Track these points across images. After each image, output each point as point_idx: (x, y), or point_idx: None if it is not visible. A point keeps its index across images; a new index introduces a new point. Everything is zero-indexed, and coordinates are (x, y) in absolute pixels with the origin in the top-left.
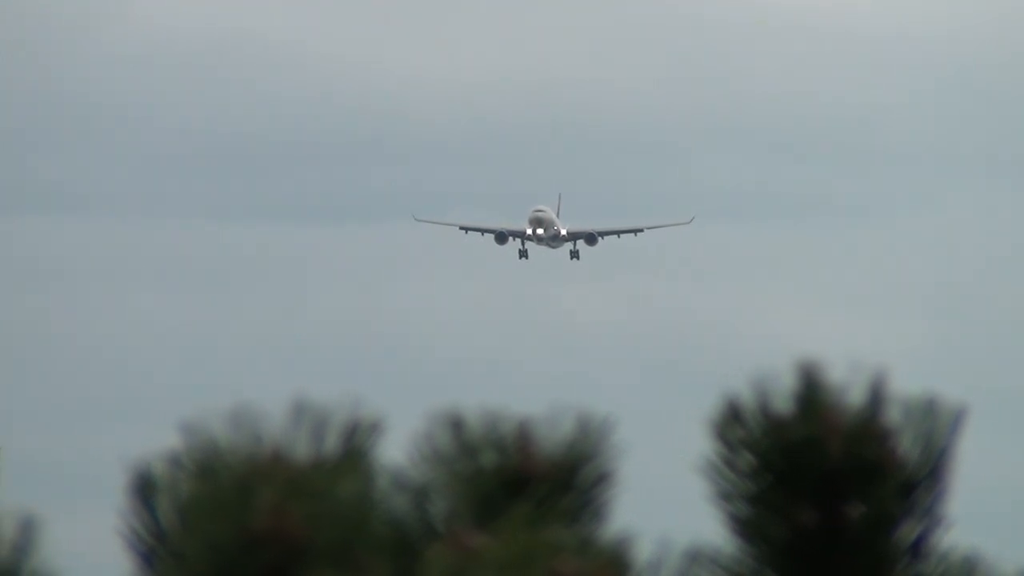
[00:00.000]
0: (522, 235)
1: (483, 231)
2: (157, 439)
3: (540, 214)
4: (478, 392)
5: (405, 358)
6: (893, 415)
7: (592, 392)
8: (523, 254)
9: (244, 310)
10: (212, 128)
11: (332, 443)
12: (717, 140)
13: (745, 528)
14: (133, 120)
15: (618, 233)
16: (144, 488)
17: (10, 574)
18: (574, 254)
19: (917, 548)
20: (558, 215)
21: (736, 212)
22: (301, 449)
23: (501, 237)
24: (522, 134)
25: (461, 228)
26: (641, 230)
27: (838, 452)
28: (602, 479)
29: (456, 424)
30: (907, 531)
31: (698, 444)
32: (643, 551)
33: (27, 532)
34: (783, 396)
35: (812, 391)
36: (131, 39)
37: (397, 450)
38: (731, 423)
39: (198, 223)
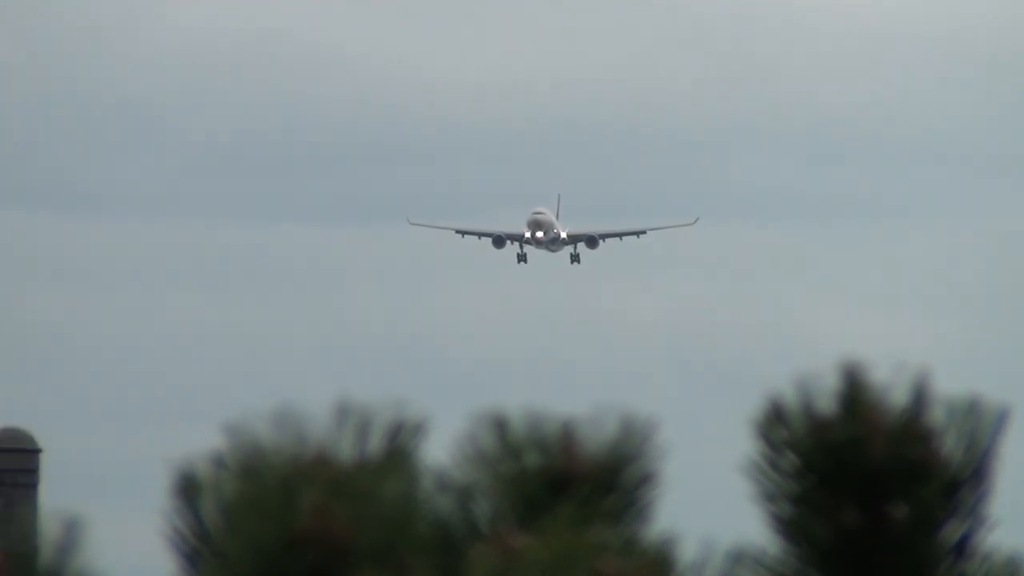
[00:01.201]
0: (520, 238)
1: (480, 235)
2: (201, 440)
3: (539, 216)
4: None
5: (444, 359)
6: (936, 415)
7: (633, 392)
8: (522, 258)
9: (283, 311)
10: (241, 129)
11: (376, 444)
12: (750, 141)
13: (789, 528)
14: (163, 120)
15: (620, 235)
16: (188, 489)
17: (54, 575)
18: (575, 257)
19: (961, 548)
20: (557, 217)
21: (773, 212)
22: (345, 450)
23: (499, 241)
24: (555, 134)
25: (457, 232)
26: (644, 232)
27: (881, 452)
28: (645, 479)
29: (500, 425)
30: (951, 531)
31: (741, 444)
32: (686, 551)
33: (71, 533)
34: (826, 396)
35: (855, 391)
36: (162, 40)
37: (441, 450)
38: (775, 424)
39: (231, 224)
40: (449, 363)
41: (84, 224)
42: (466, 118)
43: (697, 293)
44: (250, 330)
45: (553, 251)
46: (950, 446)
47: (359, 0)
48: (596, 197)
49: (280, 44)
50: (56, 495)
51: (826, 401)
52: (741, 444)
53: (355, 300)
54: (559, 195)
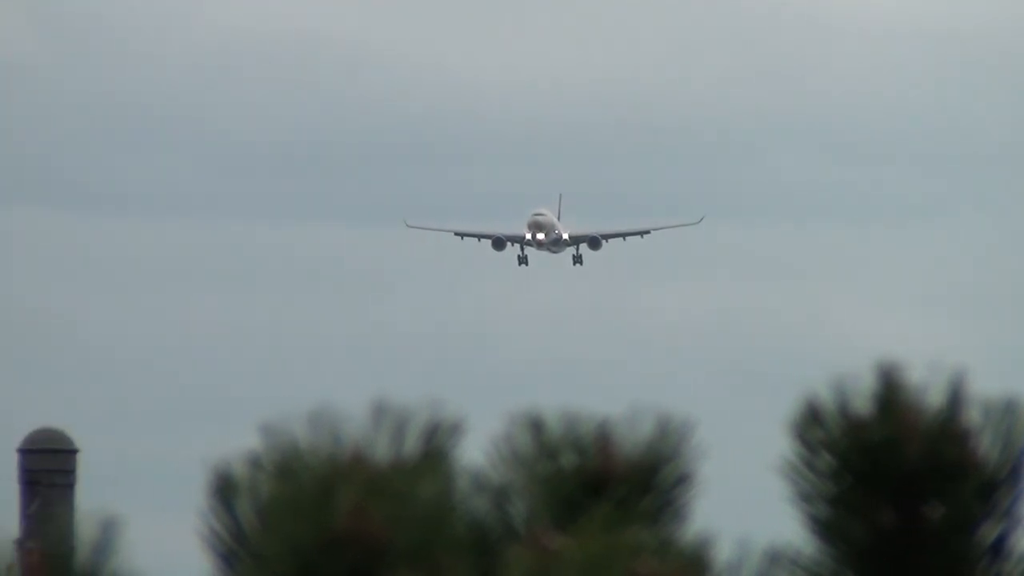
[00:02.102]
0: (521, 240)
1: (480, 236)
2: (237, 440)
3: (539, 218)
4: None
5: (479, 360)
6: (972, 416)
7: (667, 393)
8: (522, 260)
9: (319, 312)
10: (277, 130)
11: (412, 444)
12: (783, 139)
13: (825, 529)
14: (199, 122)
15: (623, 235)
16: (224, 489)
17: (92, 574)
18: (577, 259)
19: (997, 549)
20: (559, 218)
21: (804, 211)
22: (381, 450)
23: (499, 243)
24: (590, 134)
25: (456, 234)
26: (648, 231)
27: (917, 453)
28: (682, 480)
29: (536, 425)
30: (987, 531)
31: (777, 445)
32: (723, 552)
33: (107, 533)
34: (862, 397)
35: (891, 392)
36: (195, 40)
37: (477, 451)
38: (811, 424)
39: (267, 224)
40: (481, 364)
41: (119, 225)
42: (499, 118)
43: (728, 293)
44: (286, 331)
45: (555, 252)
46: (986, 446)
47: (391, 1)
48: (625, 198)
49: (313, 45)
50: (93, 496)
51: (862, 402)
52: (777, 445)
53: (390, 300)
54: (560, 195)
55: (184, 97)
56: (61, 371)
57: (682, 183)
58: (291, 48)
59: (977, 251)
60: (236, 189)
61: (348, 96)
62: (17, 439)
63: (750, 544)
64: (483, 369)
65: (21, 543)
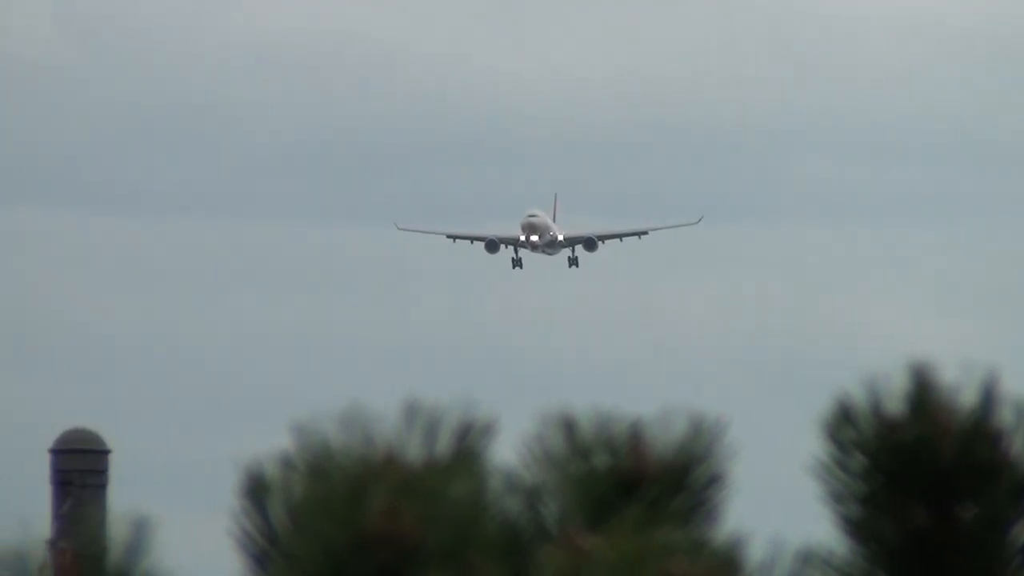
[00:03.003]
0: (515, 242)
1: (472, 239)
2: (269, 440)
3: (533, 219)
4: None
5: (510, 360)
6: (1005, 415)
7: (697, 393)
8: (516, 263)
9: (351, 312)
10: (317, 129)
11: (445, 444)
12: (813, 140)
13: (857, 529)
14: (236, 121)
15: (620, 236)
16: (256, 489)
17: (124, 574)
18: (573, 261)
19: None
20: (554, 219)
21: (832, 211)
22: (414, 450)
23: (492, 245)
24: (630, 134)
25: (448, 236)
26: (646, 232)
27: (950, 453)
28: (714, 480)
29: (568, 425)
30: (1019, 531)
31: (809, 445)
32: (755, 552)
33: (139, 534)
34: (895, 397)
35: (924, 392)
36: (225, 41)
37: (509, 451)
38: (843, 424)
39: (299, 224)
40: (510, 364)
41: (148, 225)
42: (534, 117)
43: (755, 293)
44: (318, 330)
45: (550, 255)
46: (1019, 446)
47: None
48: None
49: (342, 44)
50: (125, 496)
51: (894, 401)
52: (809, 444)
53: (424, 300)
54: (556, 195)
55: (212, 97)
56: (93, 372)
57: (708, 183)
58: (320, 47)
59: (1011, 250)
60: (265, 189)
61: (378, 95)
62: (49, 440)
63: (782, 544)
64: (505, 370)
65: (53, 543)
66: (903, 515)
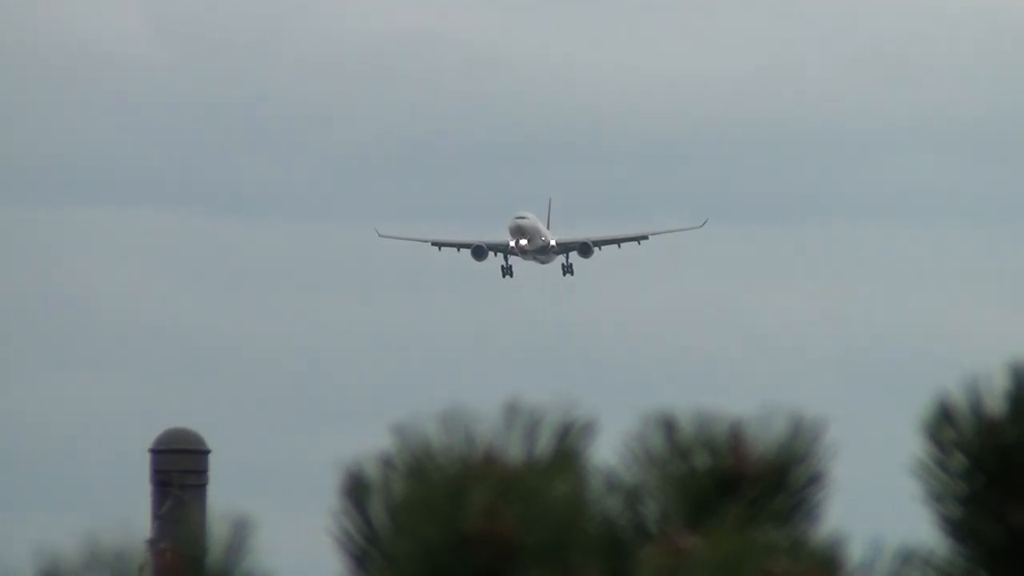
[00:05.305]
0: (504, 248)
1: (459, 246)
2: (369, 440)
3: (521, 222)
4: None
5: (602, 360)
6: None
7: (795, 393)
8: (507, 271)
9: (448, 312)
10: (397, 129)
11: (545, 444)
12: (900, 140)
13: (958, 529)
14: (328, 121)
15: (618, 242)
16: (356, 489)
17: (224, 574)
18: (567, 268)
19: None
20: (548, 224)
21: (924, 212)
22: (514, 450)
23: (479, 252)
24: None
25: (433, 244)
26: (646, 237)
27: None
28: (814, 480)
29: (669, 425)
30: None
31: (910, 445)
32: (855, 552)
33: (240, 533)
34: (995, 397)
35: None
36: (315, 40)
37: (609, 451)
38: (943, 424)
39: (389, 225)
40: (607, 365)
41: (246, 226)
42: (624, 117)
43: (851, 293)
44: (414, 331)
45: (543, 262)
46: None
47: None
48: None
49: (431, 44)
50: (225, 496)
51: (995, 401)
52: (909, 445)
53: (518, 300)
54: (550, 199)
55: (304, 97)
56: (193, 372)
57: (799, 183)
58: (409, 47)
59: None
60: (358, 190)
61: (467, 95)
62: (149, 440)
63: (882, 544)
64: (603, 370)
65: (153, 543)
66: (1004, 515)
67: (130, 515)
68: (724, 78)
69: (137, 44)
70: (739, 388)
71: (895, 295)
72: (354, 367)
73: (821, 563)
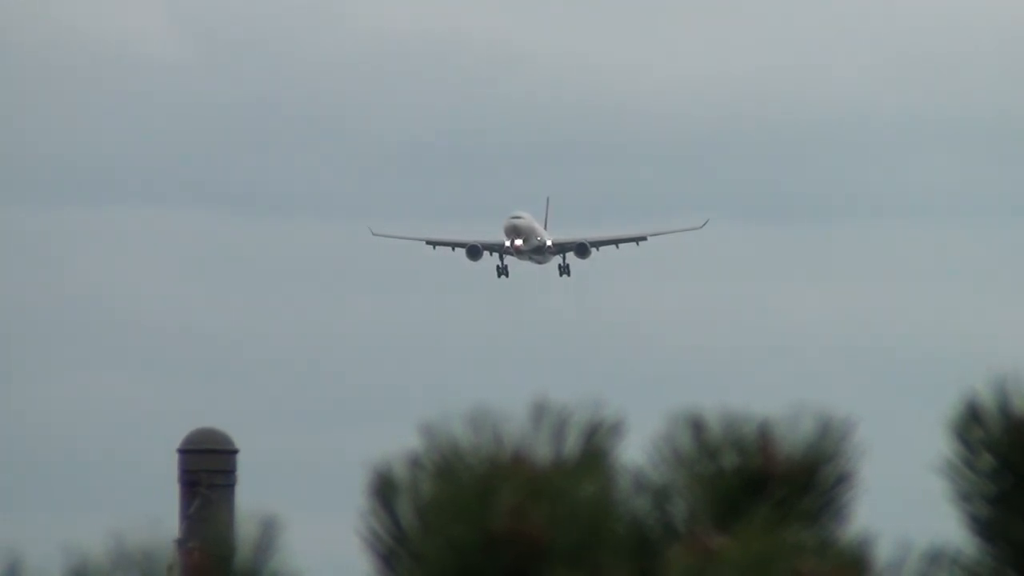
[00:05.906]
0: (500, 248)
1: (453, 245)
2: (397, 440)
3: (517, 222)
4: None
5: (620, 360)
6: None
7: (821, 393)
8: (502, 271)
9: (477, 312)
10: (426, 130)
11: (573, 444)
12: (932, 139)
13: (986, 528)
14: (353, 121)
15: (616, 243)
16: (384, 489)
17: (252, 574)
18: (563, 269)
19: None
20: (545, 225)
21: (965, 211)
22: (542, 450)
23: (473, 251)
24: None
25: (428, 243)
26: (644, 238)
27: None
28: (842, 480)
29: (697, 425)
30: None
31: (938, 445)
32: (883, 552)
33: (268, 533)
34: (1023, 396)
35: None
36: (346, 41)
37: (637, 451)
38: (971, 424)
39: (410, 225)
40: (621, 365)
41: (268, 225)
42: (648, 117)
43: (876, 293)
44: (443, 330)
45: (539, 262)
46: None
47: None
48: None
49: (454, 44)
50: (253, 496)
51: (1023, 401)
52: (937, 444)
53: (546, 300)
54: (548, 199)
55: (325, 97)
56: (221, 372)
57: (829, 182)
58: (432, 47)
59: None
60: (378, 189)
61: (489, 95)
62: (177, 440)
63: (910, 544)
64: (631, 369)
65: (181, 543)
66: None
67: (158, 515)
68: (737, 79)
69: (137, 44)
70: (765, 388)
71: (921, 294)
72: (372, 366)
73: (849, 563)
